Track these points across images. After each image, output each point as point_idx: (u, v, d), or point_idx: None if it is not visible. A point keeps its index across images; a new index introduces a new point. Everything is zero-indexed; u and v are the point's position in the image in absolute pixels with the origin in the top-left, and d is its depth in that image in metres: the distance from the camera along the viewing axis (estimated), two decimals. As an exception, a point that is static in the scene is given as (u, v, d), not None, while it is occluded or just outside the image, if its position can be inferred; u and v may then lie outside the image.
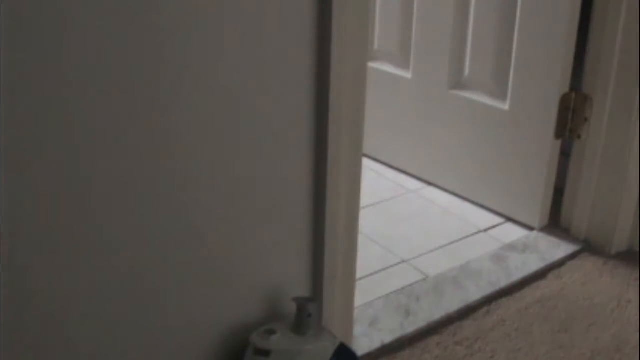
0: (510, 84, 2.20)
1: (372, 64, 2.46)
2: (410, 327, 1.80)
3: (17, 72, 1.08)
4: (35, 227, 1.17)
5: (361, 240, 1.64)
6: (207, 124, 1.31)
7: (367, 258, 1.98)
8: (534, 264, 2.07)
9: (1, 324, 1.17)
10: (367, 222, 2.15)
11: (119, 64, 1.17)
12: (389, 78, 2.52)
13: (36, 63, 1.10)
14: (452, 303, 1.89)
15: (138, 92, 1.21)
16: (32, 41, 1.08)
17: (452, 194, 2.45)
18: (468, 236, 2.24)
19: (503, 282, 1.99)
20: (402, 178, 2.56)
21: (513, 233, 2.25)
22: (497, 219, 2.32)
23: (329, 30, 1.37)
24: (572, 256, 2.13)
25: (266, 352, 1.39)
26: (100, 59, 1.15)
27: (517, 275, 2.02)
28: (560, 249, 2.16)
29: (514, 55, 2.16)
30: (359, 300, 1.73)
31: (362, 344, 1.72)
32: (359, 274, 1.68)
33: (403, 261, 2.10)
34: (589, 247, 2.18)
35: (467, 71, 2.32)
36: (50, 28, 1.10)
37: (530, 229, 2.26)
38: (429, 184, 2.52)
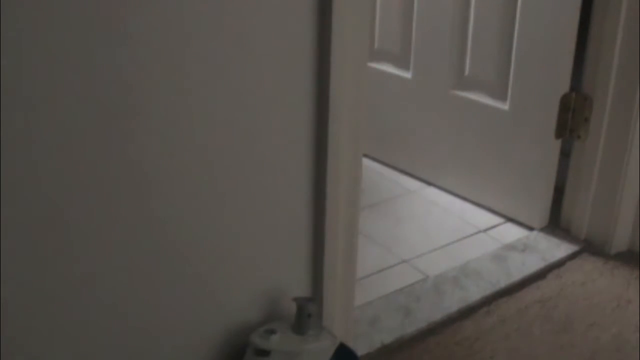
0: (510, 84, 2.20)
1: (372, 64, 2.47)
2: (410, 327, 1.80)
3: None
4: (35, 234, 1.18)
5: (361, 240, 1.63)
6: (207, 124, 1.31)
7: (367, 258, 1.98)
8: (534, 264, 2.07)
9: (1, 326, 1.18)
10: (367, 222, 2.15)
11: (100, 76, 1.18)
12: (389, 78, 2.52)
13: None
14: (452, 303, 1.89)
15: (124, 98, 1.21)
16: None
17: (452, 194, 2.45)
18: (468, 236, 2.24)
19: (503, 282, 1.99)
20: (402, 178, 2.56)
21: (513, 233, 2.25)
22: (497, 219, 2.32)
23: (329, 30, 1.37)
24: (572, 256, 2.13)
25: (266, 352, 1.39)
26: (89, 69, 1.16)
27: (517, 275, 2.02)
28: (560, 249, 2.16)
29: (514, 55, 2.16)
30: (359, 300, 1.73)
31: (362, 344, 1.72)
32: (359, 274, 1.68)
33: (403, 261, 2.10)
34: (589, 247, 2.17)
35: (467, 71, 2.32)
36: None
37: (530, 229, 2.26)
38: (429, 184, 2.52)
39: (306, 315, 1.42)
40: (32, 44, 1.08)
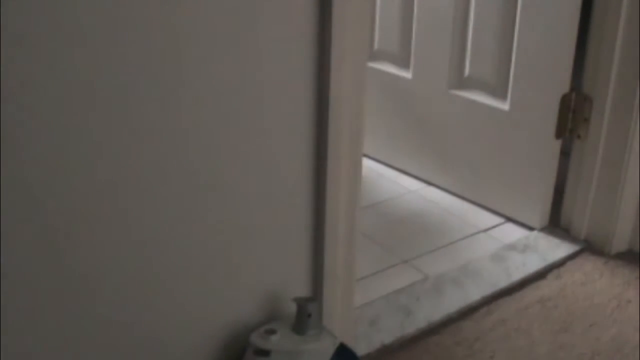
0: (510, 84, 2.19)
1: (372, 64, 2.47)
2: (411, 327, 1.80)
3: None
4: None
5: (361, 240, 1.64)
6: (206, 124, 1.31)
7: (367, 258, 1.98)
8: (534, 264, 2.07)
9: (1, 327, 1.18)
10: (367, 222, 2.15)
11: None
12: (389, 78, 2.52)
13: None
14: (452, 303, 1.89)
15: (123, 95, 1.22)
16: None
17: (452, 194, 2.45)
18: (468, 236, 2.24)
19: (503, 282, 1.99)
20: (402, 178, 2.56)
21: (513, 233, 2.25)
22: (497, 219, 2.32)
23: (329, 30, 1.37)
24: (572, 256, 2.13)
25: (266, 352, 1.39)
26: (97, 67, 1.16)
27: (517, 275, 2.02)
28: (560, 249, 2.16)
29: (514, 55, 2.16)
30: (359, 300, 1.73)
31: (362, 344, 1.72)
32: (359, 274, 1.68)
33: (403, 261, 2.10)
34: (589, 247, 2.17)
35: (467, 71, 2.32)
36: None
37: (530, 229, 2.26)
38: (429, 184, 2.51)
39: (306, 315, 1.42)
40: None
